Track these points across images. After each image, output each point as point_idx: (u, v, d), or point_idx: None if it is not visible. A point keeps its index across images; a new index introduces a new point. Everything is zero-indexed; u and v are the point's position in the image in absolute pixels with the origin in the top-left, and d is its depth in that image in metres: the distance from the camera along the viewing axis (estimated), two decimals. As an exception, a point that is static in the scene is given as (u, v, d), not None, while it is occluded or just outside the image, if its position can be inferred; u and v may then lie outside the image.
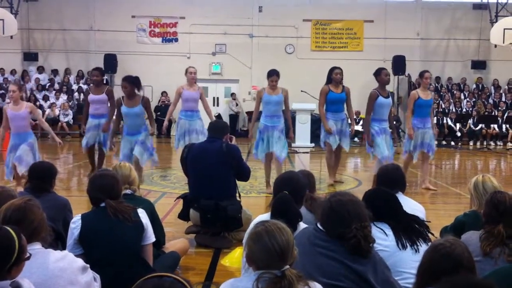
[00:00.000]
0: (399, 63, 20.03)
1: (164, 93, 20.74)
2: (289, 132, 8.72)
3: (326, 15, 21.31)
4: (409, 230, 3.28)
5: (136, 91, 8.09)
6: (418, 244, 3.21)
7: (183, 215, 5.62)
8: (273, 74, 8.48)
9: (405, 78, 21.11)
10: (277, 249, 2.34)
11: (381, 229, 3.24)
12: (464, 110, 20.18)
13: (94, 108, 9.10)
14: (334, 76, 9.01)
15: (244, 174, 5.61)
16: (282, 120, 8.47)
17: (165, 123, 9.63)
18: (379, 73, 8.55)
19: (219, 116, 13.52)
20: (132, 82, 8.03)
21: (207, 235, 5.44)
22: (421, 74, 8.97)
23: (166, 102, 20.54)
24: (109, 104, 9.14)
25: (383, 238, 3.20)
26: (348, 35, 21.56)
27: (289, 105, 18.65)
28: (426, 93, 8.82)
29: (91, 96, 9.13)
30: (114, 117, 8.81)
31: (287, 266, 2.34)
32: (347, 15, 21.33)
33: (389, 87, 21.15)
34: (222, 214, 5.30)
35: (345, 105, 9.16)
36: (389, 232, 3.25)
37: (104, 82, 9.93)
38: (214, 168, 5.36)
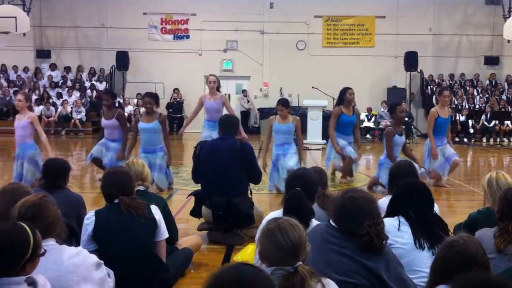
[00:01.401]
0: (411, 59, 19.93)
1: (176, 90, 20.79)
2: (300, 163, 8.15)
3: (338, 11, 21.23)
4: (432, 233, 3.23)
5: (154, 108, 8.14)
6: (436, 248, 3.16)
7: (195, 212, 5.63)
8: (279, 104, 8.16)
9: (417, 74, 21.00)
10: (289, 246, 2.35)
11: (398, 225, 3.22)
12: (477, 106, 20.03)
13: (108, 132, 8.75)
14: (347, 96, 8.88)
15: (256, 174, 5.56)
16: (293, 145, 8.18)
17: (181, 130, 9.69)
18: (394, 110, 8.22)
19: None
20: (154, 98, 8.15)
21: (219, 232, 5.45)
22: (440, 92, 8.86)
23: (178, 99, 20.60)
24: (121, 130, 8.73)
25: (400, 236, 3.18)
26: (359, 31, 21.47)
27: (300, 102, 18.65)
28: (445, 111, 8.68)
29: (103, 121, 8.80)
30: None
31: (300, 263, 2.35)
32: (358, 11, 21.23)
33: (401, 84, 21.20)
34: (234, 211, 5.29)
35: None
36: (407, 229, 3.23)
37: (116, 105, 9.60)
38: (226, 165, 5.34)
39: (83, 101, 20.11)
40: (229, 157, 5.36)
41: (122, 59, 20.59)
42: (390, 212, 3.39)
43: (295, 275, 2.29)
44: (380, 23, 21.21)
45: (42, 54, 21.71)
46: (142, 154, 7.99)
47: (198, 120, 9.99)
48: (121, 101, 19.22)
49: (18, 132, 7.67)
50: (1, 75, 21.37)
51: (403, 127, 8.44)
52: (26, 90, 20.45)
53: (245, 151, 5.43)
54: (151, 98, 8.08)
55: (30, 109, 7.92)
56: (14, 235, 2.37)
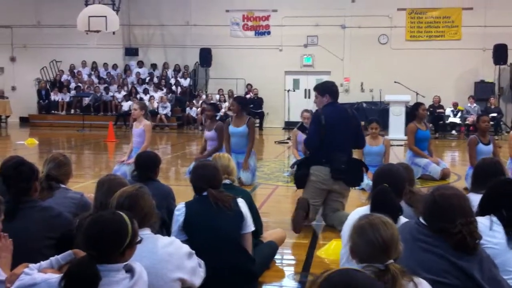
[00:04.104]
0: (500, 52, 19.03)
1: (248, 85, 20.95)
2: None
3: (422, 3, 20.61)
4: None
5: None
6: None
7: (300, 179, 5.80)
8: (372, 121, 8.17)
9: (507, 68, 20.00)
10: (380, 243, 2.33)
11: (490, 225, 3.10)
12: None
13: (209, 144, 8.65)
14: (420, 112, 8.79)
15: (362, 138, 5.96)
16: None
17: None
18: (477, 121, 8.07)
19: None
20: (241, 103, 8.44)
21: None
22: None
23: (255, 94, 20.59)
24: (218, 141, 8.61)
25: (492, 235, 3.07)
26: (445, 24, 20.73)
27: (383, 97, 18.21)
28: None
29: (206, 132, 8.73)
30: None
31: (391, 261, 2.31)
32: (444, 3, 20.50)
33: (489, 78, 20.23)
34: (356, 164, 5.74)
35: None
36: (500, 229, 3.11)
37: (217, 117, 9.67)
38: (345, 129, 5.63)
39: (168, 97, 20.77)
40: (346, 121, 5.69)
41: (205, 56, 21.08)
42: (481, 211, 3.28)
43: (386, 273, 2.26)
44: (467, 15, 20.35)
45: (130, 51, 22.62)
46: (231, 152, 8.11)
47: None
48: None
49: (134, 138, 8.19)
50: (92, 72, 22.47)
51: (491, 135, 8.07)
52: (116, 86, 21.42)
53: (355, 116, 5.87)
54: (236, 102, 8.44)
55: (146, 117, 8.28)
56: (114, 223, 2.49)
